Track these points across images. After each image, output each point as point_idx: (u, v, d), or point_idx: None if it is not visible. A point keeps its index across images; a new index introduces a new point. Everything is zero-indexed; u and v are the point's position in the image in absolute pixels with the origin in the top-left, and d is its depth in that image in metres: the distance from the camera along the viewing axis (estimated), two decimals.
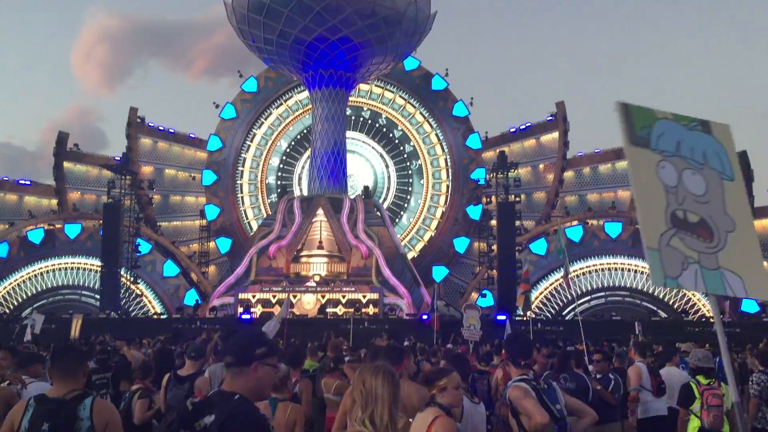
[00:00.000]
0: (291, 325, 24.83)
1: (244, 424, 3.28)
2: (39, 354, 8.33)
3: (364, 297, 41.83)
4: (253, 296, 42.00)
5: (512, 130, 57.22)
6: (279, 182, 57.62)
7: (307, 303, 41.47)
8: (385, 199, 57.06)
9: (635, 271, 47.36)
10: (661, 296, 46.55)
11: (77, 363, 4.59)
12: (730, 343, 17.46)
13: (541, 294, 46.93)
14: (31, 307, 46.39)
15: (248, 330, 3.95)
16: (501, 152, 50.00)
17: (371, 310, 41.05)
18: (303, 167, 57.43)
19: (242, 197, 57.31)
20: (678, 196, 3.74)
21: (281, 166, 58.67)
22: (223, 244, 54.14)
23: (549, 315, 46.05)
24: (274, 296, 41.17)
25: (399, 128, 57.82)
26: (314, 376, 9.94)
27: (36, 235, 50.15)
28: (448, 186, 56.18)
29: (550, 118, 55.63)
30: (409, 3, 45.64)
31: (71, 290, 49.79)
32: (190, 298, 48.41)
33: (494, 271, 46.49)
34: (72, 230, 50.24)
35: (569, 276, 20.48)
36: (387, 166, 58.13)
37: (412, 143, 57.56)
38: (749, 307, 41.51)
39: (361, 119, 58.24)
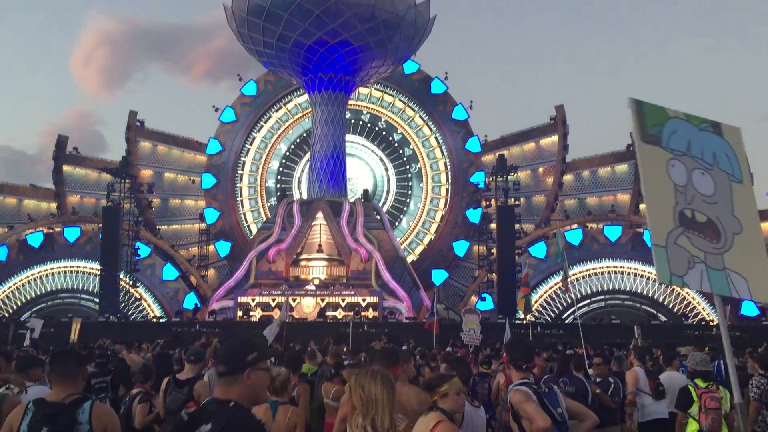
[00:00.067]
0: (290, 328, 24.80)
1: (242, 431, 3.27)
2: (38, 358, 8.31)
3: (364, 300, 41.81)
4: (253, 300, 41.98)
5: (512, 133, 57.23)
6: (278, 185, 57.61)
7: (307, 306, 41.46)
8: (384, 203, 57.06)
9: (635, 275, 47.38)
10: (660, 300, 46.59)
11: (76, 367, 4.58)
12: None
13: (540, 297, 46.92)
14: (30, 311, 46.42)
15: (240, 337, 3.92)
16: (500, 156, 50.05)
17: (371, 313, 41.02)
18: (302, 170, 57.44)
19: (242, 201, 57.31)
20: (687, 195, 3.74)
21: (281, 169, 58.68)
22: (223, 247, 54.10)
23: (549, 318, 46.06)
24: (273, 300, 41.15)
25: (398, 131, 57.85)
26: (312, 380, 9.93)
27: (35, 239, 50.14)
28: (447, 189, 56.19)
29: (550, 121, 55.65)
30: (409, 7, 45.71)
31: (70, 294, 49.80)
32: (190, 301, 48.38)
33: (494, 274, 46.51)
34: (71, 234, 50.24)
35: (568, 279, 20.47)
36: (386, 170, 58.14)
37: (411, 146, 57.58)
38: (749, 310, 41.52)
39: (361, 122, 58.27)
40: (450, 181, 56.02)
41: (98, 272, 46.56)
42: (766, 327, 37.07)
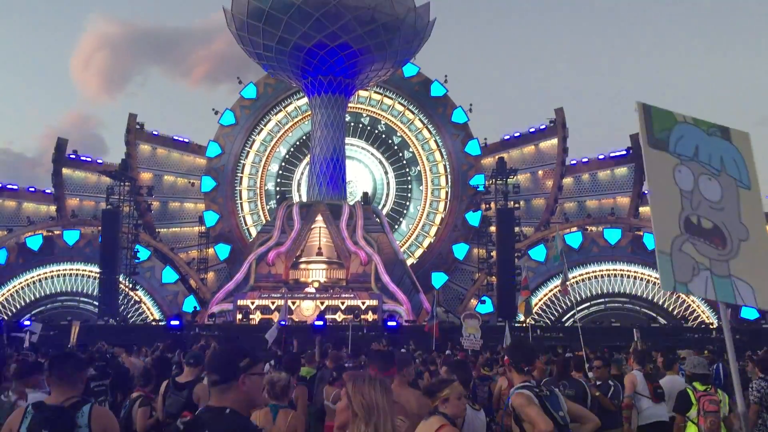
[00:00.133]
0: (290, 331, 24.79)
1: None
2: (38, 364, 8.28)
3: (363, 303, 41.80)
4: (252, 303, 41.96)
5: (511, 136, 57.25)
6: (278, 188, 57.61)
7: (306, 309, 41.43)
8: (384, 206, 57.06)
9: (635, 278, 47.36)
10: (660, 303, 46.57)
11: (75, 370, 4.57)
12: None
13: (540, 300, 46.89)
14: (29, 314, 46.35)
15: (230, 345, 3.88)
16: (500, 158, 50.06)
17: (370, 316, 41.01)
18: (302, 173, 57.44)
19: (241, 203, 57.30)
20: (693, 201, 3.70)
21: (280, 172, 58.68)
22: (222, 250, 54.08)
23: (548, 321, 46.03)
24: (273, 303, 41.12)
25: (398, 134, 57.87)
26: (311, 382, 9.93)
27: (34, 242, 50.10)
28: (447, 192, 56.19)
29: (550, 124, 55.66)
30: (409, 10, 45.76)
31: (70, 297, 49.73)
32: (189, 304, 48.33)
33: (493, 277, 46.50)
34: (70, 237, 50.19)
35: (568, 282, 20.45)
36: (386, 173, 58.15)
37: (411, 149, 57.60)
38: (749, 313, 41.46)
39: (360, 125, 58.29)
40: (450, 184, 56.03)
41: (97, 275, 46.52)
42: (766, 330, 37.04)
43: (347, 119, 52.96)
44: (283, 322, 26.91)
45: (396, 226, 56.15)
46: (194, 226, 55.51)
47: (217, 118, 57.61)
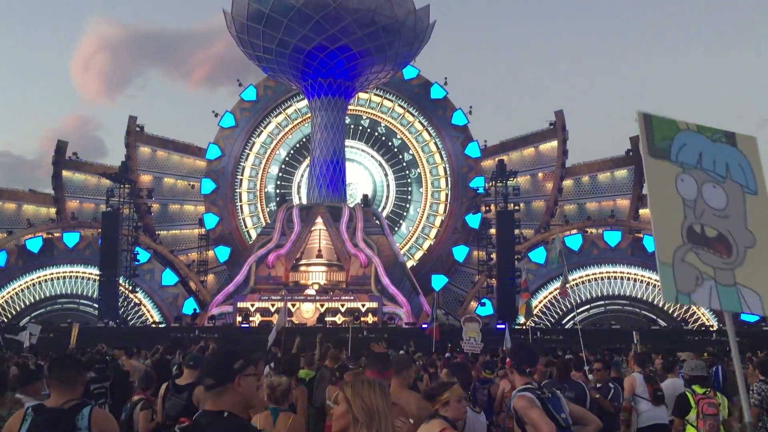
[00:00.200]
0: (290, 334, 24.75)
1: None
2: (37, 371, 8.27)
3: (363, 306, 41.78)
4: (252, 305, 41.93)
5: (511, 138, 57.30)
6: (278, 191, 57.63)
7: (306, 312, 41.42)
8: (384, 208, 57.06)
9: (635, 280, 47.38)
10: (660, 305, 46.54)
11: (75, 373, 4.56)
12: (729, 352, 17.46)
13: (540, 303, 46.89)
14: (29, 317, 46.34)
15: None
16: (500, 161, 50.08)
17: (370, 318, 41.00)
18: (302, 176, 57.46)
19: (241, 206, 57.30)
20: (696, 210, 3.64)
21: (280, 174, 58.70)
22: (222, 252, 54.08)
23: (548, 324, 46.01)
24: (272, 305, 41.10)
25: (398, 137, 57.89)
26: (310, 385, 9.92)
27: (34, 244, 50.09)
28: (447, 194, 56.20)
29: (550, 126, 55.70)
30: (409, 12, 45.79)
31: (69, 299, 49.71)
32: (189, 306, 48.33)
33: (493, 279, 46.50)
34: (70, 239, 50.19)
35: (568, 285, 20.42)
36: (386, 175, 58.17)
37: (411, 152, 57.62)
38: (749, 315, 41.45)
39: (360, 128, 58.31)
40: (449, 186, 56.05)
41: (97, 277, 46.51)
42: (766, 332, 37.03)
43: (347, 121, 53.00)
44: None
45: (396, 229, 56.15)
46: (194, 228, 55.52)
47: (217, 120, 57.70)
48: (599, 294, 47.99)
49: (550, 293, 46.93)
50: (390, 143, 58.09)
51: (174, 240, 56.11)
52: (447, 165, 56.35)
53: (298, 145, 58.53)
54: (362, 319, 40.22)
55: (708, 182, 3.75)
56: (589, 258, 48.03)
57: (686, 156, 3.76)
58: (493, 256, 47.59)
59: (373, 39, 45.09)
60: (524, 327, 34.64)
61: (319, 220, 46.35)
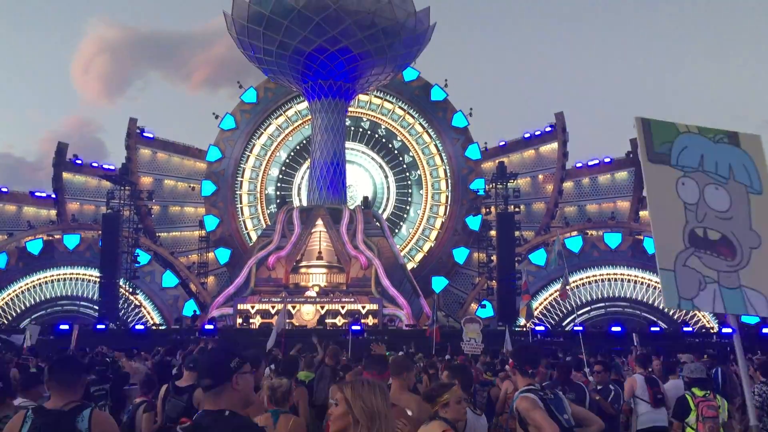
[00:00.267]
0: (290, 336, 24.74)
1: None
2: (38, 375, 8.26)
3: (364, 308, 41.76)
4: (252, 307, 41.92)
5: (512, 140, 57.31)
6: (278, 193, 57.63)
7: (307, 314, 41.41)
8: (384, 210, 57.05)
9: (635, 282, 47.38)
10: (660, 307, 46.51)
11: (75, 375, 4.56)
12: (730, 354, 17.45)
13: (540, 305, 46.87)
14: (29, 318, 46.34)
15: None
16: (500, 163, 50.09)
17: (370, 320, 40.98)
18: (302, 178, 57.46)
19: (241, 208, 57.29)
20: (698, 213, 3.59)
21: (280, 176, 58.70)
22: (222, 254, 54.07)
23: (549, 326, 45.98)
24: (273, 307, 41.07)
25: (398, 139, 57.91)
26: (310, 386, 9.93)
27: (35, 246, 50.10)
28: (447, 196, 56.20)
29: (550, 128, 55.73)
30: (409, 14, 45.81)
31: (70, 301, 49.71)
32: (189, 308, 48.32)
33: (494, 281, 46.49)
34: (71, 241, 50.21)
35: (568, 287, 20.41)
36: (386, 177, 58.17)
37: (411, 154, 57.63)
38: (749, 317, 41.41)
39: (361, 130, 58.33)
40: (450, 188, 56.05)
41: (98, 279, 46.53)
42: (767, 335, 36.98)
43: (347, 123, 53.02)
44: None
45: (396, 231, 56.14)
46: (194, 230, 55.53)
47: (217, 122, 57.67)
48: (599, 296, 47.99)
49: (550, 295, 46.92)
50: (390, 145, 58.10)
51: (174, 242, 56.11)
52: (447, 167, 56.36)
53: (298, 147, 58.53)
54: (362, 321, 40.19)
55: (710, 184, 3.70)
56: (589, 260, 48.05)
57: (687, 159, 3.72)
58: (494, 258, 47.58)
59: (373, 41, 45.12)
60: (524, 329, 34.68)
61: (320, 222, 46.34)
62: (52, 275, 49.93)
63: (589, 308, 47.59)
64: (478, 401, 9.25)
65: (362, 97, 55.50)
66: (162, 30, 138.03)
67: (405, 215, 57.45)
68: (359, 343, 27.04)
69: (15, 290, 49.56)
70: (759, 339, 32.57)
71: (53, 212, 54.42)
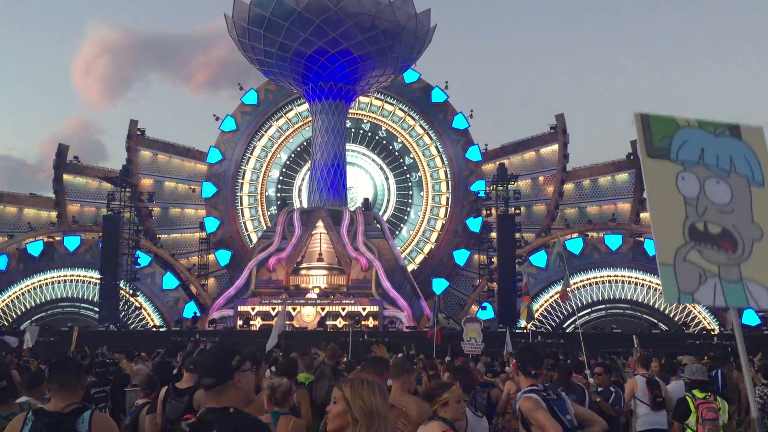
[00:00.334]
0: (290, 337, 24.76)
1: None
2: (40, 372, 8.27)
3: (364, 309, 41.76)
4: (253, 309, 41.94)
5: (512, 142, 57.33)
6: (279, 194, 57.63)
7: (307, 315, 41.42)
8: (384, 212, 57.06)
9: (636, 284, 47.38)
10: (661, 309, 46.55)
11: (75, 377, 4.55)
12: (730, 356, 17.43)
13: (541, 306, 46.87)
14: (29, 320, 46.35)
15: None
16: (501, 164, 50.13)
17: (371, 322, 40.97)
18: (303, 179, 57.47)
19: (242, 209, 57.31)
20: (699, 208, 3.57)
21: (281, 178, 58.72)
22: (223, 256, 54.07)
23: (550, 327, 45.99)
24: (273, 309, 41.07)
25: (399, 140, 57.93)
26: (309, 388, 9.92)
27: (35, 248, 50.14)
28: (448, 198, 56.21)
29: (550, 130, 55.76)
30: (409, 16, 45.84)
31: (70, 303, 49.75)
32: (189, 310, 48.32)
33: (494, 283, 46.50)
34: (71, 243, 50.25)
35: (569, 289, 20.37)
36: (387, 179, 58.19)
37: (411, 155, 57.65)
38: (750, 319, 41.45)
39: (361, 131, 58.35)
40: (450, 189, 56.05)
41: (98, 281, 46.56)
42: (767, 336, 36.99)
43: (348, 125, 53.05)
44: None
45: (397, 232, 56.14)
46: (195, 232, 55.53)
47: (218, 124, 57.73)
48: (600, 298, 47.99)
49: (551, 297, 46.92)
50: (391, 147, 58.13)
51: (175, 244, 56.12)
52: (448, 169, 56.37)
53: (299, 149, 58.56)
54: (363, 322, 40.19)
55: (711, 178, 3.68)
56: (589, 262, 48.06)
57: (687, 153, 3.70)
58: (494, 259, 47.58)
59: (373, 43, 45.14)
60: (525, 331, 34.68)
61: (320, 223, 46.35)
62: (53, 277, 49.96)
63: (589, 310, 47.59)
64: (479, 403, 9.25)
65: (363, 98, 55.53)
66: (163, 32, 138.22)
67: (405, 217, 57.45)
68: (360, 345, 27.05)
69: (15, 292, 49.60)
70: (759, 340, 32.54)
71: (54, 214, 54.46)
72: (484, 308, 46.97)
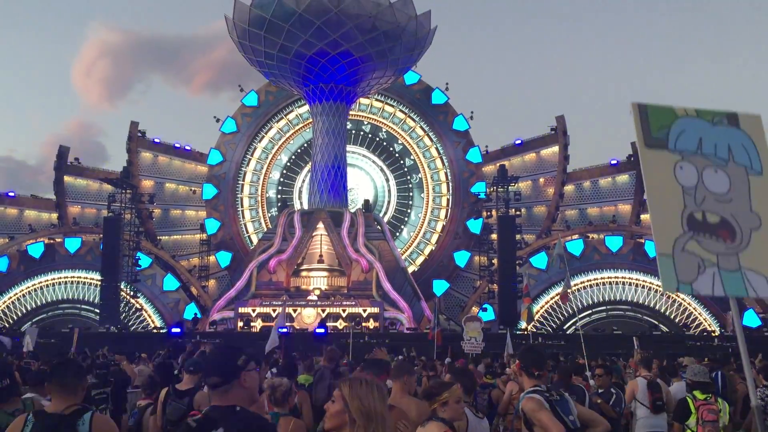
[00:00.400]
0: (291, 339, 24.76)
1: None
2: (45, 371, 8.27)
3: (365, 311, 41.74)
4: (253, 310, 41.92)
5: (513, 143, 57.32)
6: (279, 196, 57.64)
7: (308, 317, 41.39)
8: (385, 213, 57.07)
9: (636, 285, 47.34)
10: (662, 310, 46.53)
11: (76, 378, 4.55)
12: (730, 357, 17.41)
13: (542, 308, 46.84)
14: (30, 322, 46.35)
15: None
16: (501, 166, 50.12)
17: (371, 324, 40.95)
18: (303, 181, 57.50)
19: (242, 211, 57.32)
20: (697, 197, 3.56)
21: (282, 179, 58.73)
22: (223, 258, 54.08)
23: (550, 329, 45.97)
24: (274, 310, 41.05)
25: (399, 142, 57.94)
26: (309, 389, 9.92)
27: (36, 249, 50.15)
28: (448, 200, 56.21)
29: (551, 132, 55.75)
30: (410, 18, 45.85)
31: (71, 304, 49.75)
32: (190, 312, 48.31)
33: (495, 285, 46.47)
34: (72, 244, 50.25)
35: (569, 290, 20.32)
36: (387, 180, 58.20)
37: (412, 157, 57.66)
38: (751, 321, 41.44)
39: (362, 133, 58.37)
40: (451, 191, 56.05)
41: (99, 283, 46.55)
42: (767, 338, 36.96)
43: (348, 127, 53.05)
44: (284, 329, 26.78)
45: (397, 234, 56.15)
46: (195, 233, 55.55)
47: (218, 125, 57.78)
48: (601, 299, 47.96)
49: (551, 298, 46.89)
50: (391, 148, 58.15)
51: (175, 245, 56.13)
52: (448, 170, 56.37)
53: (299, 151, 58.59)
54: (363, 324, 40.18)
55: (709, 167, 3.67)
56: (590, 263, 48.03)
57: (685, 143, 3.69)
58: (495, 261, 47.56)
59: (374, 44, 45.16)
60: (526, 332, 34.64)
61: (321, 225, 46.36)
62: (54, 278, 49.96)
63: (590, 312, 47.56)
64: (480, 404, 9.25)
65: (363, 100, 55.55)
66: (163, 33, 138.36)
67: (406, 218, 57.46)
68: (360, 347, 27.04)
69: (16, 293, 49.60)
70: (760, 342, 32.52)
71: (54, 215, 54.47)
72: (485, 310, 46.92)
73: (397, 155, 58.01)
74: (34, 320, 47.27)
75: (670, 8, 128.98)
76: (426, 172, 57.17)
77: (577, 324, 34.07)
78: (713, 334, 40.07)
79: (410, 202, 57.65)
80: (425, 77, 57.56)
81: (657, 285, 44.76)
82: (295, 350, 21.00)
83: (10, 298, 49.43)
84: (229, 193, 56.52)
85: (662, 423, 9.11)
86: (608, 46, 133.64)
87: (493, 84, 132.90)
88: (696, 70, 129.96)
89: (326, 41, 44.55)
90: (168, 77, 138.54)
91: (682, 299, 45.95)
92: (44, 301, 49.71)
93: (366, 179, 58.34)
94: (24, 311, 49.28)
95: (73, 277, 50.07)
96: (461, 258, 53.48)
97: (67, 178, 55.10)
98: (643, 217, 51.13)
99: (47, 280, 49.90)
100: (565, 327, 46.26)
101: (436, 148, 57.01)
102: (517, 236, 46.06)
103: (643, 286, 47.01)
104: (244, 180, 57.65)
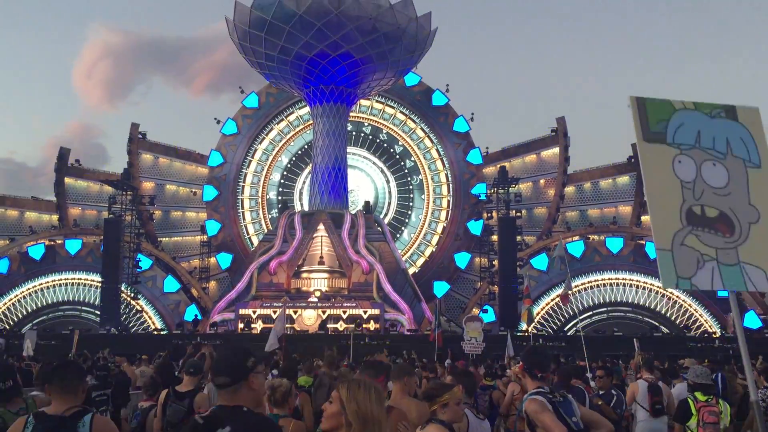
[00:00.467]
0: (291, 341, 24.71)
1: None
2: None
3: (365, 312, 41.71)
4: (254, 312, 41.90)
5: (513, 145, 57.34)
6: (280, 197, 57.65)
7: (308, 319, 41.36)
8: (386, 215, 57.07)
9: (637, 287, 47.31)
10: (663, 312, 46.50)
11: (76, 380, 4.55)
12: (731, 359, 17.40)
13: (542, 310, 46.82)
14: (30, 324, 46.36)
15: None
16: (502, 167, 50.13)
17: (372, 325, 40.94)
18: (304, 182, 57.52)
19: (243, 213, 57.33)
20: (695, 191, 3.54)
21: (282, 181, 58.74)
22: (224, 259, 54.09)
23: (551, 330, 45.94)
24: (274, 312, 40.99)
25: (400, 143, 57.96)
26: (309, 391, 9.91)
27: (36, 251, 50.16)
28: (449, 201, 56.21)
29: (551, 133, 55.74)
30: (410, 19, 45.87)
31: (71, 306, 49.74)
32: (190, 313, 48.30)
33: (495, 286, 46.47)
34: (73, 246, 50.25)
35: (570, 292, 20.30)
36: (388, 182, 58.20)
37: (412, 158, 57.68)
38: (751, 322, 41.41)
39: (362, 135, 58.38)
40: (451, 192, 56.06)
41: (99, 284, 46.56)
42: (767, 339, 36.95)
43: (349, 128, 53.06)
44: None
45: (398, 235, 56.15)
46: (196, 235, 55.56)
47: (219, 127, 57.79)
48: (601, 301, 47.93)
49: (552, 300, 46.86)
50: (392, 150, 58.16)
51: (176, 247, 56.15)
52: (449, 172, 56.38)
53: (300, 152, 58.61)
54: (364, 326, 40.16)
55: (707, 160, 3.64)
56: (591, 265, 48.00)
57: (683, 136, 3.66)
58: (495, 262, 47.56)
59: (374, 46, 45.18)
60: (526, 334, 34.61)
61: (321, 226, 46.36)
62: (54, 280, 49.96)
63: (591, 313, 47.53)
64: (480, 405, 9.25)
65: (364, 102, 55.58)
66: (164, 35, 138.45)
67: (406, 220, 57.47)
68: (361, 349, 27.03)
69: (17, 295, 49.59)
70: (760, 343, 32.49)
71: (55, 217, 54.49)
72: (485, 311, 46.89)
73: (397, 157, 58.03)
74: (34, 322, 47.28)
75: (670, 8, 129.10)
76: (426, 173, 57.19)
77: (578, 325, 34.02)
78: (714, 336, 40.04)
79: (411, 204, 57.66)
80: (426, 79, 57.70)
81: (658, 286, 44.78)
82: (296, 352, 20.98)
83: (11, 299, 49.43)
84: (229, 195, 56.54)
85: (662, 427, 9.09)
86: (608, 47, 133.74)
87: (494, 85, 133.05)
88: (696, 70, 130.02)
89: (327, 43, 44.57)
90: (169, 79, 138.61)
91: (683, 300, 45.94)
92: (45, 303, 49.71)
93: (366, 181, 58.36)
94: (24, 313, 49.28)
95: (74, 278, 50.08)
96: (462, 259, 53.47)
97: (67, 180, 55.12)
98: (643, 218, 51.11)
99: (48, 282, 49.91)
100: (565, 328, 46.23)
101: (437, 150, 57.02)
102: (518, 238, 46.08)
103: (644, 288, 46.99)
104: (244, 181, 57.66)
